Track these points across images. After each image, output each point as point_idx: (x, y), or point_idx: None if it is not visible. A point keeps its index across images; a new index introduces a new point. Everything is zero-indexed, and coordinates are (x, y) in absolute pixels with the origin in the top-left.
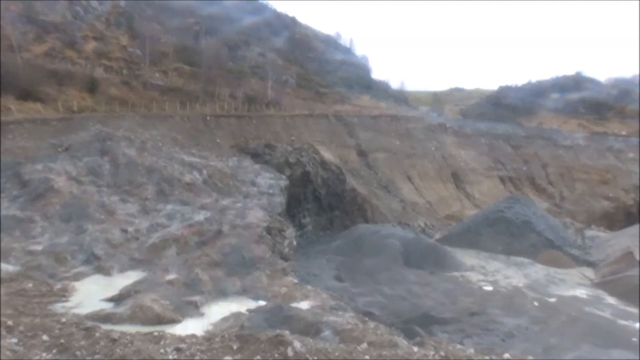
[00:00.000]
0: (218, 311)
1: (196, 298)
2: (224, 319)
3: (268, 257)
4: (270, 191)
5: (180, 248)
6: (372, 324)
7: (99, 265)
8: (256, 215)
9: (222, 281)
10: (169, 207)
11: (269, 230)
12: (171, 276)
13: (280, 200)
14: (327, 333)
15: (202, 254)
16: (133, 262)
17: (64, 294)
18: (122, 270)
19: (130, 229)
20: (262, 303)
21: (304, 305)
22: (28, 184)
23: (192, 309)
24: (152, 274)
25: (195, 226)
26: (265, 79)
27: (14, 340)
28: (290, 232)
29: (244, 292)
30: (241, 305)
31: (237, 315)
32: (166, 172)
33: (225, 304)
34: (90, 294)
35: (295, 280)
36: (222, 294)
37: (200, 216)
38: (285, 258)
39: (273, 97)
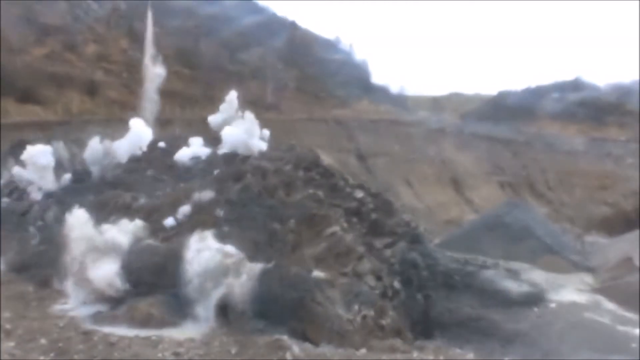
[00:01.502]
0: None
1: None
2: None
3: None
4: None
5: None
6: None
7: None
8: None
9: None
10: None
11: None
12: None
13: None
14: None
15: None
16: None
17: (62, 295)
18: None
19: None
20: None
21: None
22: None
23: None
24: None
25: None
26: (264, 83)
27: (12, 343)
28: None
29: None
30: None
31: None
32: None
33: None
34: (90, 294)
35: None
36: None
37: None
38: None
39: (272, 100)
